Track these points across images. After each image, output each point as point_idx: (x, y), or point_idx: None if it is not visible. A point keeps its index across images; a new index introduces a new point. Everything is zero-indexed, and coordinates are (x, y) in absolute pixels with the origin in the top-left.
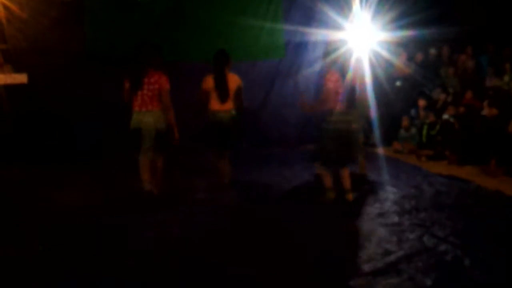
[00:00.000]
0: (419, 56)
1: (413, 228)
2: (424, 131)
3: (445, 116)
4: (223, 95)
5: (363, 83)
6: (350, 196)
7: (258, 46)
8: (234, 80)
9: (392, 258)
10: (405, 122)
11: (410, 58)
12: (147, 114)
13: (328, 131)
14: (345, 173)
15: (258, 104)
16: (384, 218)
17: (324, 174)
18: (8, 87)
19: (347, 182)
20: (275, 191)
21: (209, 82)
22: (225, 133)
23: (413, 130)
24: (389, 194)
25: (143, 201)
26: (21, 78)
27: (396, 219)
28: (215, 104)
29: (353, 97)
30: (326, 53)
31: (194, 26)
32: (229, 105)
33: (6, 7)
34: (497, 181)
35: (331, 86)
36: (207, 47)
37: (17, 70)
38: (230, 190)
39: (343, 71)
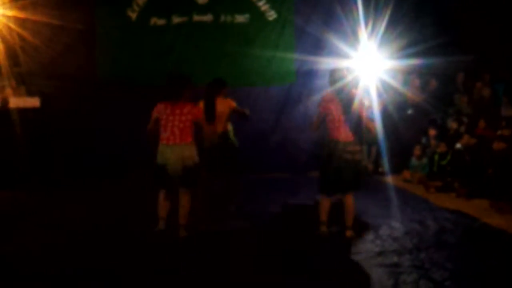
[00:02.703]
0: (433, 83)
1: (411, 270)
2: (435, 161)
3: (458, 146)
4: (209, 118)
5: (370, 112)
6: (349, 233)
7: (269, 72)
8: (226, 104)
9: None
10: (417, 151)
11: (422, 86)
12: (176, 148)
13: (330, 161)
14: (349, 202)
15: (268, 128)
16: (383, 258)
17: (322, 206)
18: (20, 110)
19: (349, 217)
20: (275, 220)
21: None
22: (213, 154)
23: (424, 160)
24: (392, 230)
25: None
26: (34, 101)
27: (395, 259)
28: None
29: (357, 127)
30: (332, 81)
31: (205, 53)
32: (218, 128)
33: (19, 34)
34: (504, 218)
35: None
36: (218, 73)
37: (30, 94)
38: (228, 219)
39: (348, 100)
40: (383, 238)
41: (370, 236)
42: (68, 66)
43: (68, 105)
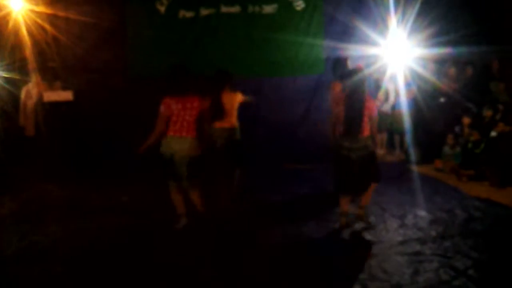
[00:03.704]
0: (469, 71)
1: (433, 259)
2: (468, 149)
3: (492, 134)
4: (217, 115)
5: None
6: (361, 212)
7: (298, 62)
8: (235, 98)
9: None
10: (450, 139)
11: (458, 75)
12: (184, 140)
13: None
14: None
15: (297, 119)
16: (405, 246)
17: (342, 199)
18: (54, 104)
19: (365, 198)
20: (298, 210)
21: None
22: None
23: (457, 148)
24: (418, 219)
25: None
26: (67, 95)
27: (417, 247)
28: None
29: (353, 122)
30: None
31: (234, 43)
32: (227, 123)
33: (50, 30)
34: None
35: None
36: (246, 63)
37: (64, 88)
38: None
39: (362, 94)
40: (408, 227)
41: (394, 225)
42: (100, 62)
43: (100, 98)
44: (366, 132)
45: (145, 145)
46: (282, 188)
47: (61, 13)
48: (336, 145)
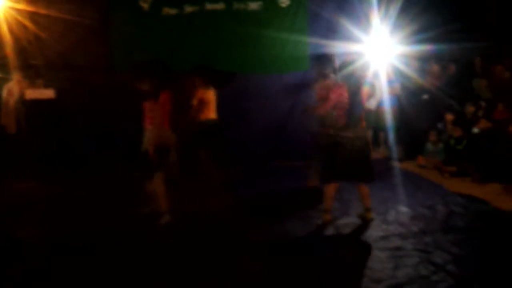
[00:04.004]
0: (451, 68)
1: (413, 254)
2: (451, 146)
3: (474, 130)
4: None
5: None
6: (370, 215)
7: (283, 59)
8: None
9: (382, 286)
10: (432, 136)
11: (440, 72)
12: (148, 133)
13: (337, 148)
14: (361, 190)
15: (283, 116)
16: (386, 242)
17: (327, 193)
18: (36, 102)
19: (365, 201)
20: (284, 207)
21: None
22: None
23: (440, 145)
24: (400, 214)
25: None
26: (49, 93)
27: (398, 243)
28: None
29: (351, 113)
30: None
31: (219, 40)
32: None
33: (31, 28)
34: None
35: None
36: (231, 60)
37: (46, 86)
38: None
39: (358, 85)
40: (390, 223)
41: (376, 220)
42: (82, 59)
43: (83, 96)
44: (363, 123)
45: None
46: (269, 185)
47: (42, 11)
48: (331, 135)
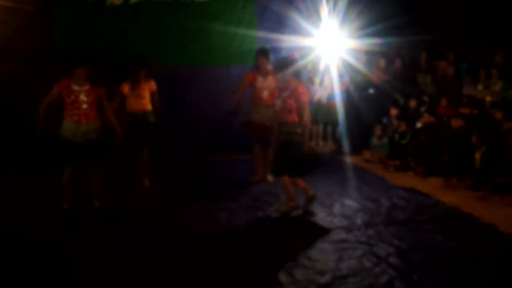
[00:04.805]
0: (397, 63)
1: (357, 246)
2: (395, 140)
3: (418, 125)
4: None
5: (331, 91)
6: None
7: (231, 52)
8: (149, 86)
9: (326, 278)
10: (377, 130)
11: (387, 66)
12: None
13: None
14: (301, 184)
15: (230, 109)
16: (331, 234)
17: (284, 183)
18: None
19: (306, 190)
20: (229, 198)
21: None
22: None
23: (385, 139)
24: (345, 207)
25: None
26: None
27: (343, 235)
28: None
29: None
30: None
31: (165, 32)
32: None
33: None
34: (457, 195)
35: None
36: (178, 52)
37: None
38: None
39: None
40: (335, 215)
41: (322, 213)
42: (22, 48)
43: (24, 86)
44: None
45: None
46: (214, 177)
47: None
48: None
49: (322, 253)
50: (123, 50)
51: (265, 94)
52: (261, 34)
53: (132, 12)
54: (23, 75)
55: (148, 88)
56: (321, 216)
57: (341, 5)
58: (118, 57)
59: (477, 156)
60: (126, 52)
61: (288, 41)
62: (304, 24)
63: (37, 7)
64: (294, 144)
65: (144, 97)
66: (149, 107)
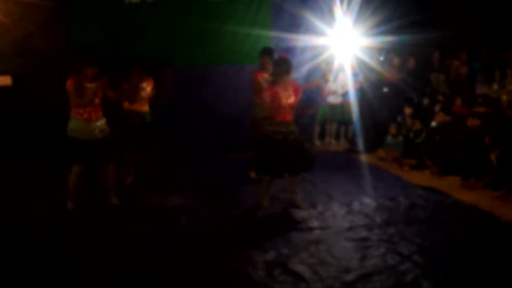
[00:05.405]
0: (411, 62)
1: (379, 244)
2: (410, 139)
3: (433, 124)
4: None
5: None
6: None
7: (245, 51)
8: (151, 85)
9: (351, 276)
10: (392, 129)
11: (400, 65)
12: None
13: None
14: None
15: (243, 108)
16: (352, 232)
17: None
18: None
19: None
20: (235, 199)
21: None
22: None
23: (400, 138)
24: (364, 206)
25: None
26: (5, 80)
27: (364, 233)
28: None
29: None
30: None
31: (180, 31)
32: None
33: None
34: (475, 194)
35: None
36: (193, 51)
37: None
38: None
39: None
40: (355, 214)
41: (341, 211)
42: (41, 45)
43: (43, 83)
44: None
45: None
46: (225, 176)
47: None
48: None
49: (345, 251)
50: (139, 48)
51: None
52: (275, 34)
53: (149, 11)
54: (41, 72)
55: (146, 86)
56: (341, 214)
57: (355, 3)
58: (133, 55)
59: (492, 157)
60: (141, 50)
61: (302, 41)
62: (318, 23)
63: (56, 3)
64: (292, 144)
65: (141, 97)
66: (146, 107)
